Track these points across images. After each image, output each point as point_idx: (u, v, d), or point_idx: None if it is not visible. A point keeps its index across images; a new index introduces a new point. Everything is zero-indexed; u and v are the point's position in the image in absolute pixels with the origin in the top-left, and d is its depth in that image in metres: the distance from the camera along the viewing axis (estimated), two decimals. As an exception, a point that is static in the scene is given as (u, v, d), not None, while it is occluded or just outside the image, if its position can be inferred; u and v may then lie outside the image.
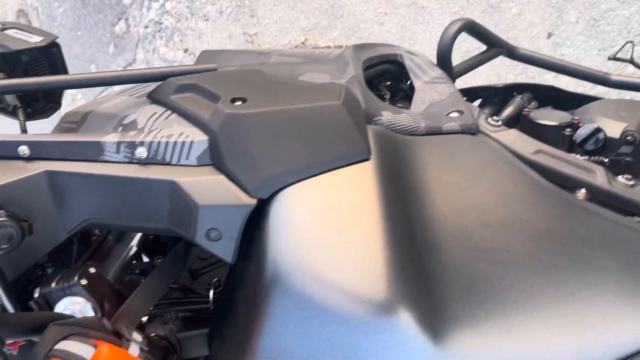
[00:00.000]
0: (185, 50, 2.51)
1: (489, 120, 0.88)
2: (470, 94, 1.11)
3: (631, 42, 0.97)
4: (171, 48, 2.57)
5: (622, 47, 0.97)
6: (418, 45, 1.81)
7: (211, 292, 0.75)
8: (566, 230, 0.62)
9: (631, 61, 0.98)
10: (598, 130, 0.86)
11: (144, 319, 0.76)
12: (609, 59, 1.00)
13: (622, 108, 0.92)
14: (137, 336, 0.62)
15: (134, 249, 0.78)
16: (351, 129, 0.62)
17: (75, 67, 3.03)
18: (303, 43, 2.05)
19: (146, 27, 2.64)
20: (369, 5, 1.92)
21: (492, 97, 1.10)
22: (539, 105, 1.06)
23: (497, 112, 1.02)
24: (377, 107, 0.73)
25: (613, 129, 0.86)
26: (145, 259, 0.91)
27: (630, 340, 0.52)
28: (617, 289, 0.56)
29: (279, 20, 2.13)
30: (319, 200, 0.59)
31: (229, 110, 0.63)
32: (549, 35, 1.55)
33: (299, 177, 0.60)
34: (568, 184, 0.80)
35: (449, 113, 0.76)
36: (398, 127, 0.71)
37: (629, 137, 0.84)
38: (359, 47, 0.89)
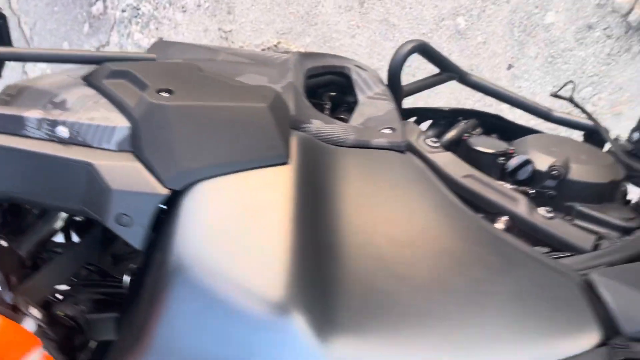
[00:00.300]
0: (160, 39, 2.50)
1: (427, 141, 0.90)
2: (421, 114, 1.14)
3: (572, 81, 1.01)
4: (146, 35, 2.55)
5: (564, 85, 1.01)
6: (385, 62, 1.83)
7: (126, 277, 0.76)
8: (470, 253, 0.64)
9: (570, 99, 1.01)
10: (527, 162, 0.89)
11: (58, 297, 0.75)
12: (551, 95, 1.03)
13: (556, 144, 0.95)
14: (35, 312, 0.62)
15: (57, 227, 0.78)
16: (272, 133, 0.64)
17: (48, 42, 2.99)
18: (276, 46, 2.07)
19: (123, 11, 2.62)
20: (343, 16, 1.95)
21: (440, 120, 1.13)
22: (485, 133, 1.09)
23: (441, 134, 1.05)
24: (308, 114, 0.75)
25: (542, 162, 0.89)
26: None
27: None
28: (505, 314, 0.58)
29: (255, 20, 2.14)
30: (230, 198, 0.60)
31: (152, 100, 0.64)
32: (509, 67, 1.60)
33: (214, 173, 0.61)
34: (492, 209, 0.82)
35: (382, 129, 0.78)
36: (326, 137, 0.72)
37: (554, 172, 0.87)
38: (306, 55, 0.91)
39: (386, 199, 0.67)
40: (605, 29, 1.49)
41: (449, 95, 1.68)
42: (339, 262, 0.59)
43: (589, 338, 0.57)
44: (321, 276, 0.57)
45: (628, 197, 0.99)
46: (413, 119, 1.14)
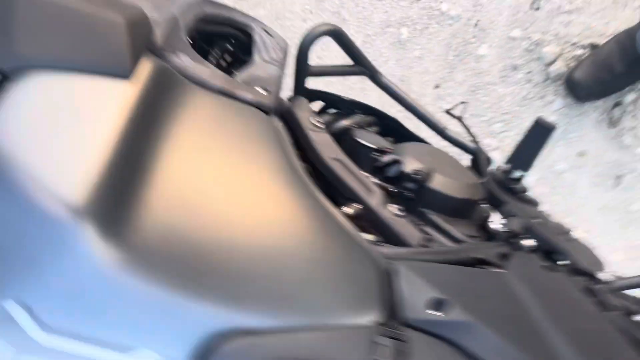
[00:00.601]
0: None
1: (312, 119, 0.93)
2: (327, 100, 1.16)
3: (465, 102, 1.05)
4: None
5: (456, 105, 1.05)
6: (329, 52, 1.86)
7: None
8: (288, 215, 0.66)
9: (459, 118, 1.06)
10: (396, 161, 0.92)
11: None
12: (444, 111, 1.08)
13: (432, 154, 0.99)
14: None
15: None
16: (122, 46, 0.64)
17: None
18: (230, 10, 2.06)
19: None
20: (301, -2, 1.96)
21: (344, 109, 1.16)
22: (381, 133, 1.13)
23: (335, 121, 1.07)
24: (178, 48, 0.75)
25: (410, 165, 0.92)
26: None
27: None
28: (298, 274, 0.60)
29: (217, -20, 2.13)
30: (57, 92, 0.60)
31: None
32: (436, 87, 1.65)
33: (47, 64, 0.61)
34: (348, 195, 0.85)
35: (256, 87, 0.79)
36: (189, 74, 0.73)
37: (416, 176, 0.91)
38: (212, 3, 0.91)
39: (226, 146, 0.68)
40: (527, 72, 1.56)
41: (377, 99, 1.72)
42: (151, 186, 0.60)
43: (367, 315, 0.60)
44: (126, 193, 0.58)
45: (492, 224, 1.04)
46: (321, 104, 1.16)
